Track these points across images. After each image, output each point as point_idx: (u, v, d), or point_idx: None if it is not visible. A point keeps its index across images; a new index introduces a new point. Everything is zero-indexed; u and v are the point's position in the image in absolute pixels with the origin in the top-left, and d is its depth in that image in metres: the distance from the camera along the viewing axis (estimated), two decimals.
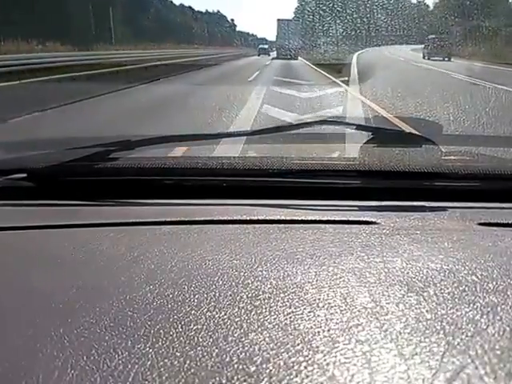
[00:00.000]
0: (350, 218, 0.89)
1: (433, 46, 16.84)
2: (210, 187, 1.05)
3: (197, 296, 0.61)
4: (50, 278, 0.69)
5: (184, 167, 1.09)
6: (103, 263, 0.73)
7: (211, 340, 0.53)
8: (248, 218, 0.88)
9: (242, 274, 0.67)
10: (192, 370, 0.48)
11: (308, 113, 6.38)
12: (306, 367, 0.48)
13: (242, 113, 6.26)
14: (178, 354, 0.50)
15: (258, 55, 27.47)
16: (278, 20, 25.53)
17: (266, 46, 28.53)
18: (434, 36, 16.90)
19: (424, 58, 17.17)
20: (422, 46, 17.98)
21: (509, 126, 4.57)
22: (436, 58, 16.27)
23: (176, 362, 0.49)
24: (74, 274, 0.70)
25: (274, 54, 25.89)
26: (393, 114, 5.54)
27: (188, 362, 0.49)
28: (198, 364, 0.49)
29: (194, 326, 0.55)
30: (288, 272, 0.67)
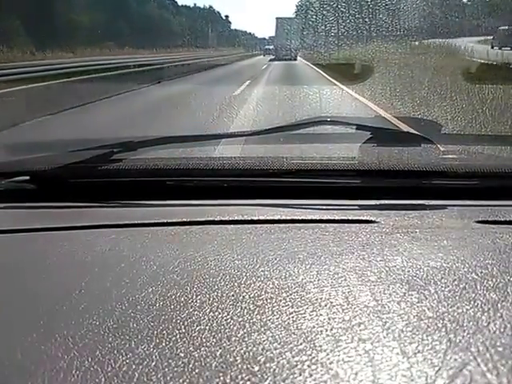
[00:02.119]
0: (350, 217, 0.89)
1: (504, 36, 16.92)
2: (211, 188, 1.06)
3: (199, 296, 0.62)
4: (53, 279, 0.70)
5: (185, 168, 1.09)
6: (106, 265, 0.73)
7: (215, 340, 0.53)
8: (249, 218, 0.89)
9: (244, 274, 0.67)
10: (196, 371, 0.49)
11: None
12: (309, 366, 0.49)
13: None
14: (182, 355, 0.51)
15: (263, 55, 27.59)
16: (277, 18, 24.67)
17: (271, 47, 28.46)
18: (506, 27, 17.04)
19: (493, 47, 17.31)
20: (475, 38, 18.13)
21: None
22: (506, 48, 16.30)
23: (180, 363, 0.50)
24: (77, 275, 0.70)
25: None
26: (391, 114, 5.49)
27: (192, 362, 0.50)
28: (202, 364, 0.49)
29: (198, 326, 0.56)
30: (290, 271, 0.67)
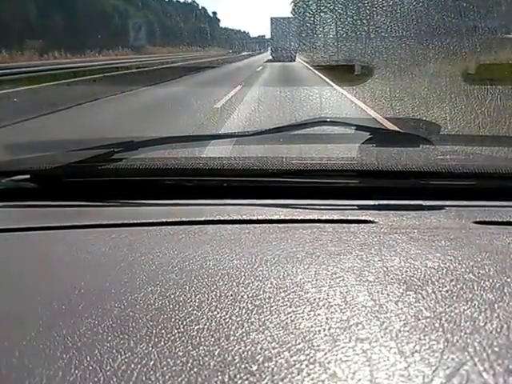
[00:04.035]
0: (349, 217, 0.89)
1: None
2: (210, 187, 1.06)
3: (198, 296, 0.62)
4: (53, 278, 0.70)
5: (185, 167, 1.10)
6: (105, 264, 0.74)
7: (213, 339, 0.53)
8: (248, 218, 0.89)
9: (242, 273, 0.68)
10: (195, 370, 0.49)
11: None
12: (307, 365, 0.49)
13: None
14: (181, 354, 0.51)
15: (271, 54, 26.51)
16: (272, 18, 22.86)
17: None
18: None
19: None
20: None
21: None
22: None
23: (179, 362, 0.50)
24: (77, 274, 0.70)
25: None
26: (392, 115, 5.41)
27: (191, 361, 0.50)
28: (201, 363, 0.50)
29: (196, 325, 0.56)
30: (288, 271, 0.68)
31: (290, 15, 22.52)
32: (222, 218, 0.89)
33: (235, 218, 0.89)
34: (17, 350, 0.53)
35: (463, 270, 0.68)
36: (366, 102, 7.05)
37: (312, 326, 0.55)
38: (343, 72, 10.31)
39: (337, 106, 7.27)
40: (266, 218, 0.89)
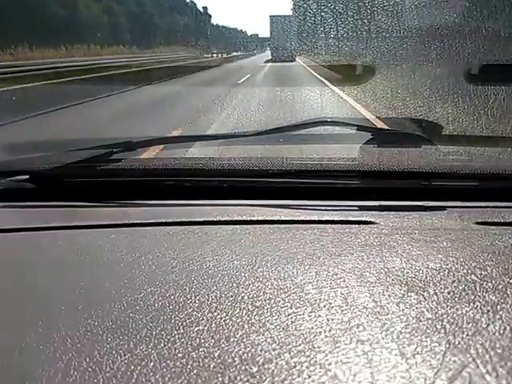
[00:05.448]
0: (350, 218, 0.89)
1: None
2: (210, 188, 1.06)
3: (198, 297, 0.62)
4: (52, 279, 0.70)
5: (185, 168, 1.09)
6: (105, 264, 0.74)
7: (213, 341, 0.53)
8: (248, 219, 0.89)
9: (242, 274, 0.67)
10: (195, 371, 0.49)
11: None
12: (307, 367, 0.49)
13: None
14: (181, 355, 0.51)
15: (271, 54, 25.32)
16: (271, 16, 22.08)
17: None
18: None
19: None
20: None
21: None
22: None
23: (178, 363, 0.50)
24: (77, 275, 0.70)
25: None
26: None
27: (190, 362, 0.50)
28: (201, 365, 0.49)
29: (196, 327, 0.56)
30: (288, 272, 0.67)
31: (290, 13, 21.92)
32: (222, 219, 0.89)
33: (235, 218, 0.89)
34: (16, 352, 0.52)
35: (465, 271, 0.67)
36: (366, 103, 7.05)
37: (313, 328, 0.55)
38: (344, 71, 10.32)
39: (338, 107, 7.25)
40: (267, 218, 0.89)
